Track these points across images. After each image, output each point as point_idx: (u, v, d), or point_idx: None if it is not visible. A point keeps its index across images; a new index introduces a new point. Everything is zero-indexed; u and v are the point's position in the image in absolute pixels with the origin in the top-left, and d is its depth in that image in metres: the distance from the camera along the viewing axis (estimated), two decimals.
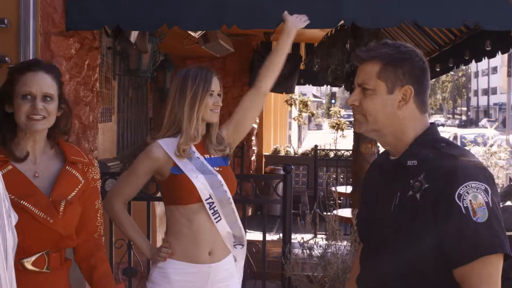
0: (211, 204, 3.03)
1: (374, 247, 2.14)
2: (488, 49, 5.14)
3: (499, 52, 5.27)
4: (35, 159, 2.55)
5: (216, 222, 3.06)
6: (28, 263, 2.43)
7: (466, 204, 1.86)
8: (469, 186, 1.88)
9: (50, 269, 2.49)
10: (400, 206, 2.00)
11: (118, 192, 3.16)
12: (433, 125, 2.13)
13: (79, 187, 2.58)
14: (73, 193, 2.55)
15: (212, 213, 3.04)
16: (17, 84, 2.49)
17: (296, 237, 4.80)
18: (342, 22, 3.89)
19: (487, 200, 1.87)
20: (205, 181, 3.02)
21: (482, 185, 1.89)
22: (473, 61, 5.92)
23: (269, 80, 3.32)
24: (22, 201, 2.39)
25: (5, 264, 1.32)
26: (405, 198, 1.99)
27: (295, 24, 3.39)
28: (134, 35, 5.39)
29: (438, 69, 7.41)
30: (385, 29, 7.49)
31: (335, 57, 7.31)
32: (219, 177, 3.08)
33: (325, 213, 5.16)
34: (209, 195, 3.02)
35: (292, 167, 4.37)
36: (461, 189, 1.87)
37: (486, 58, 5.55)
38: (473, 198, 1.87)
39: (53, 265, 2.50)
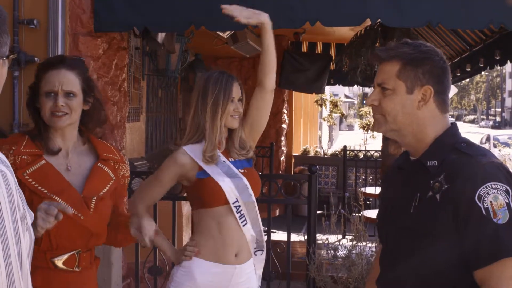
0: (238, 207, 3.05)
1: (393, 247, 2.12)
2: None
3: None
4: (66, 154, 2.59)
5: (243, 226, 3.08)
6: (59, 262, 2.46)
7: (487, 205, 1.84)
8: (489, 187, 1.86)
9: (80, 269, 2.52)
10: (419, 207, 1.99)
11: (141, 196, 3.17)
12: (454, 125, 2.11)
13: (110, 184, 2.61)
14: (105, 190, 2.58)
15: (239, 217, 3.06)
16: (41, 82, 2.55)
17: (327, 238, 4.79)
18: (368, 21, 3.85)
19: (508, 201, 1.85)
20: (232, 185, 3.04)
21: (503, 186, 1.86)
22: (508, 61, 5.80)
23: (268, 76, 3.23)
24: (54, 196, 2.42)
25: (20, 273, 1.32)
26: (425, 199, 1.97)
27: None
28: (161, 35, 5.42)
29: (468, 69, 7.32)
30: (416, 28, 7.43)
31: (365, 57, 7.28)
32: (245, 180, 3.09)
33: (356, 214, 5.12)
34: (236, 198, 3.04)
35: (317, 167, 4.36)
36: (481, 190, 1.85)
37: None
38: (494, 199, 1.84)
39: (83, 265, 2.53)
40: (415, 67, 2.04)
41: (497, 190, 1.85)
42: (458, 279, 1.94)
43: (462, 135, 2.11)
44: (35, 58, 4.11)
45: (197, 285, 3.04)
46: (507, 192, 1.86)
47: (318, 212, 4.54)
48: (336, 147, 15.69)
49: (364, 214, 4.78)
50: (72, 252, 2.49)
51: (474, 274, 1.88)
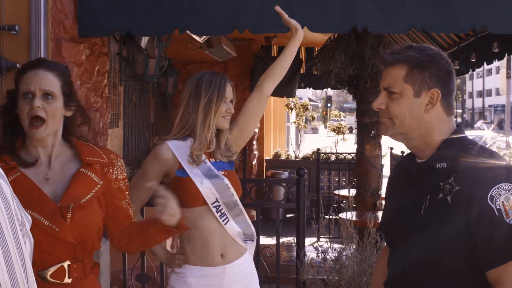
0: (217, 207, 3.04)
1: (402, 249, 2.14)
2: (496, 51, 5.15)
3: (506, 54, 5.28)
4: (48, 163, 2.44)
5: (225, 224, 3.07)
6: (47, 275, 2.34)
7: (499, 205, 1.87)
8: (501, 187, 1.88)
9: (71, 280, 2.38)
10: (430, 209, 2.00)
11: (130, 199, 3.09)
12: (460, 127, 2.13)
13: (96, 189, 2.45)
14: (88, 196, 2.42)
15: (219, 216, 3.05)
16: (19, 84, 2.40)
17: (307, 241, 4.82)
18: (353, 27, 3.88)
19: None
20: (210, 185, 3.02)
21: None
22: (484, 63, 5.90)
23: (272, 83, 3.35)
24: (28, 210, 2.20)
25: (26, 284, 1.30)
26: (435, 201, 1.99)
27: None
28: (144, 40, 5.39)
29: None
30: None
31: (339, 60, 7.34)
32: (226, 180, 3.08)
33: (336, 216, 5.15)
34: (216, 198, 3.03)
35: (305, 170, 4.38)
36: (493, 191, 1.88)
37: (496, 60, 5.54)
38: (506, 199, 1.87)
39: (74, 276, 2.39)
40: (422, 71, 2.06)
41: (508, 191, 1.88)
42: (470, 281, 1.96)
43: None
44: (17, 65, 4.03)
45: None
46: None
47: (290, 215, 4.55)
48: (304, 150, 15.75)
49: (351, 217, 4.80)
50: (59, 264, 2.35)
51: (487, 274, 1.91)
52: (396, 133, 2.12)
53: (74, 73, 4.21)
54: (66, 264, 2.37)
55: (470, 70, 6.63)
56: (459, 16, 3.86)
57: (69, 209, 2.34)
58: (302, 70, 10.80)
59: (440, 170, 2.01)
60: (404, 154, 2.41)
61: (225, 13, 4.00)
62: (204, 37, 6.95)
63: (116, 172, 2.56)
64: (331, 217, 4.98)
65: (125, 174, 2.61)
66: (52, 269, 2.34)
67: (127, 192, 2.64)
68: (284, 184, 4.71)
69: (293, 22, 3.35)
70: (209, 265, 3.05)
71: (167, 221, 2.50)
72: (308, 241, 5.01)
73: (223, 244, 3.08)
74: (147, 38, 5.41)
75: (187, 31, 4.14)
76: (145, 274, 4.36)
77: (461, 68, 6.65)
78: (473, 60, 5.95)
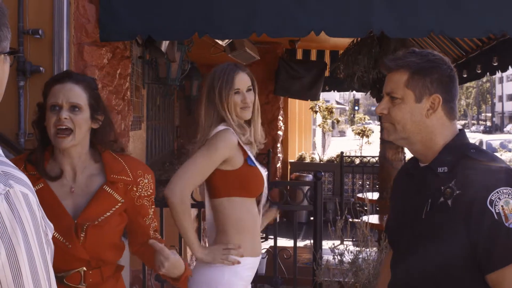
0: (265, 196, 3.14)
1: (405, 253, 2.16)
2: None
3: None
4: (74, 176, 2.46)
5: (262, 214, 3.15)
6: (63, 278, 2.37)
7: (498, 209, 1.88)
8: (500, 192, 1.90)
9: (87, 285, 2.40)
10: (431, 213, 2.02)
11: (188, 182, 2.91)
12: (462, 132, 2.15)
13: (117, 207, 2.45)
14: (106, 215, 2.42)
15: (263, 204, 3.13)
16: (48, 96, 2.45)
17: (325, 244, 4.83)
18: (371, 31, 3.90)
19: None
20: (265, 174, 3.09)
21: None
22: (509, 67, 5.84)
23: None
24: None
25: (48, 285, 1.34)
26: (436, 205, 2.01)
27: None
28: (165, 44, 5.46)
29: (465, 75, 7.39)
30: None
31: (361, 64, 7.33)
32: (264, 170, 3.14)
33: (355, 219, 5.16)
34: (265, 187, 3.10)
35: (322, 173, 4.40)
36: (492, 195, 1.89)
37: None
38: (505, 203, 1.88)
39: (89, 282, 2.41)
40: (423, 76, 2.08)
41: (508, 195, 1.89)
42: (470, 284, 1.98)
43: None
44: (41, 68, 4.13)
45: (244, 279, 3.02)
46: None
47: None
48: (330, 153, 15.73)
49: (369, 220, 4.81)
50: (75, 270, 2.39)
51: (486, 277, 1.92)
52: (398, 138, 2.14)
53: (96, 76, 4.29)
54: (82, 270, 2.40)
55: (488, 73, 6.59)
56: (477, 21, 3.87)
57: (83, 228, 2.36)
58: (327, 73, 10.79)
59: (442, 174, 2.03)
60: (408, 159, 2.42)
61: (243, 17, 4.05)
62: (227, 40, 7.01)
63: (140, 190, 2.53)
64: (350, 220, 4.98)
65: (151, 190, 2.58)
66: (68, 273, 2.38)
67: (152, 209, 2.61)
68: (301, 187, 4.72)
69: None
70: (256, 255, 3.07)
71: (166, 273, 2.50)
72: (331, 243, 5.02)
73: (259, 234, 3.15)
74: (167, 42, 5.47)
75: (207, 35, 4.20)
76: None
77: (483, 72, 6.62)
78: (495, 64, 5.91)
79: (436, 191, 2.02)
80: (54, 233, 2.26)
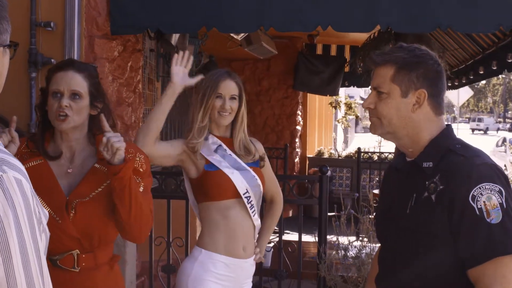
0: (248, 198, 3.11)
1: (392, 246, 2.18)
2: None
3: None
4: (71, 157, 2.56)
5: (253, 215, 3.15)
6: (56, 260, 2.43)
7: (480, 205, 1.89)
8: (483, 187, 1.90)
9: (79, 269, 2.45)
10: (416, 207, 2.04)
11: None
12: (449, 127, 2.15)
13: (107, 183, 2.49)
14: (97, 191, 2.48)
15: (249, 207, 3.12)
16: (50, 83, 2.56)
17: (337, 238, 4.84)
18: (378, 26, 3.90)
19: (501, 202, 1.89)
20: (241, 177, 3.10)
21: (496, 186, 1.91)
22: None
23: (148, 135, 3.04)
24: (38, 197, 2.37)
25: (41, 281, 1.36)
26: (420, 200, 2.02)
27: (184, 81, 3.10)
28: (175, 37, 5.50)
29: (481, 72, 7.32)
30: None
31: None
32: (252, 172, 3.16)
33: (361, 215, 5.17)
34: (246, 189, 3.10)
35: (328, 168, 4.40)
36: (475, 190, 1.90)
37: None
38: (487, 199, 1.89)
39: (83, 266, 2.46)
40: (409, 71, 2.08)
41: (491, 191, 1.90)
42: (456, 279, 1.98)
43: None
44: (52, 60, 4.19)
45: (215, 276, 3.07)
46: (500, 192, 1.90)
47: (331, 213, 4.58)
48: (351, 149, 15.68)
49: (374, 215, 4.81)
50: (69, 252, 2.44)
51: (468, 273, 1.93)
52: (384, 132, 2.15)
53: (106, 69, 4.35)
54: (75, 253, 2.46)
55: (506, 70, 6.53)
56: (486, 15, 3.84)
57: (73, 205, 2.43)
58: (347, 69, 10.76)
59: (427, 169, 2.04)
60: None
61: (251, 11, 4.07)
62: (242, 34, 7.02)
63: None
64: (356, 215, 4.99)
65: (142, 170, 2.58)
66: (62, 256, 2.44)
67: (141, 187, 2.56)
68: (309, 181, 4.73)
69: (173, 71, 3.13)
70: (233, 256, 3.11)
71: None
72: (346, 239, 5.03)
73: (246, 237, 3.16)
74: (177, 35, 5.51)
75: (215, 28, 4.22)
76: (171, 265, 4.47)
77: (498, 68, 6.56)
78: (509, 61, 5.86)
79: (421, 186, 2.03)
80: (47, 208, 2.34)
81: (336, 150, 13.95)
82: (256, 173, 3.19)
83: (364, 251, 4.17)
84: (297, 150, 11.43)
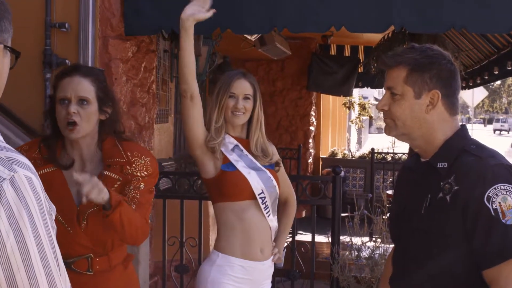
0: (263, 199, 3.09)
1: (406, 247, 2.17)
2: None
3: None
4: (83, 166, 2.54)
5: (268, 216, 3.13)
6: (71, 264, 2.42)
7: (495, 206, 1.88)
8: (498, 188, 1.89)
9: (93, 272, 2.46)
10: (430, 208, 2.03)
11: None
12: (463, 127, 2.14)
13: (115, 186, 2.50)
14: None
15: (264, 208, 3.10)
16: (57, 90, 2.53)
17: (351, 239, 4.84)
18: (392, 27, 3.88)
19: None
20: (257, 177, 3.09)
21: (511, 187, 1.90)
22: None
23: (187, 81, 3.02)
24: None
25: (58, 272, 1.38)
26: (435, 200, 2.01)
27: (194, 14, 2.97)
28: None
29: (496, 72, 7.28)
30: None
31: None
32: (268, 173, 3.16)
33: (375, 215, 5.16)
34: (261, 190, 3.09)
35: (342, 168, 4.40)
36: (490, 191, 1.89)
37: None
38: (503, 200, 1.88)
39: (97, 268, 2.47)
40: (422, 72, 2.07)
41: (506, 192, 1.89)
42: (470, 280, 1.97)
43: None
44: (66, 61, 4.22)
45: (232, 279, 3.06)
46: None
47: (344, 214, 4.58)
48: (365, 149, 15.64)
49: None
50: (82, 256, 2.45)
51: (483, 274, 1.92)
52: (399, 134, 2.15)
53: (120, 69, 4.37)
54: (89, 257, 2.46)
55: None
56: (499, 16, 3.81)
57: (84, 216, 2.43)
58: (360, 69, 10.74)
59: (441, 170, 2.03)
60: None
61: (265, 12, 4.07)
62: (256, 35, 7.03)
63: (133, 169, 2.54)
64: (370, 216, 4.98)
65: (147, 172, 2.57)
66: (75, 260, 2.45)
67: (142, 185, 2.56)
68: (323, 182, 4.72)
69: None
70: (250, 258, 3.09)
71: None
72: (359, 240, 5.02)
73: (262, 239, 3.14)
74: None
75: (229, 29, 4.23)
76: (184, 265, 4.48)
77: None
78: None
79: (436, 187, 2.02)
80: (57, 216, 2.35)
81: (350, 150, 13.92)
82: (271, 174, 3.19)
83: (377, 252, 4.16)
84: (310, 150, 11.42)
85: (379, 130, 48.31)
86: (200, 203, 4.51)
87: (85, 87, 2.50)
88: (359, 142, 25.26)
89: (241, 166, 3.09)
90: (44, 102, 4.25)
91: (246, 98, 3.15)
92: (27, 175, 1.32)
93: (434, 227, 2.00)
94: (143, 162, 2.58)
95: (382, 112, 2.18)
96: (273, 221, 3.19)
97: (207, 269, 3.12)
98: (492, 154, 2.02)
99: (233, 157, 3.11)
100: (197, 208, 4.52)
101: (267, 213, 3.12)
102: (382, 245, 4.21)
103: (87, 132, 2.51)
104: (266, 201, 3.10)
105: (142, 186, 2.56)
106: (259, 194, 3.08)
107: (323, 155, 12.30)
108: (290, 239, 4.41)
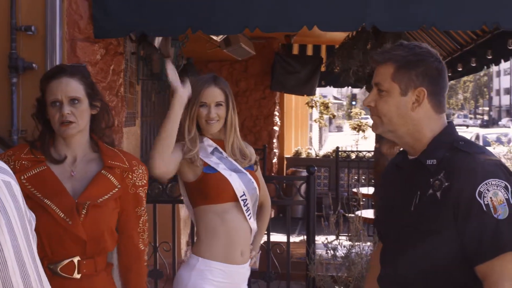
0: (245, 201, 3.09)
1: (394, 246, 2.17)
2: (510, 48, 5.12)
3: None
4: (74, 161, 2.59)
5: (249, 218, 3.12)
6: (57, 268, 2.44)
7: (487, 201, 1.90)
8: (489, 183, 1.91)
9: (81, 276, 2.47)
10: (420, 205, 2.04)
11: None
12: (451, 124, 2.16)
13: (114, 191, 2.57)
14: (105, 197, 2.54)
15: (245, 210, 3.09)
16: (46, 93, 2.58)
17: (320, 238, 4.85)
18: (363, 25, 3.90)
19: (507, 197, 1.91)
20: (238, 179, 3.08)
21: (502, 182, 1.92)
22: (502, 60, 5.86)
23: (164, 158, 2.94)
24: (45, 200, 2.42)
25: (36, 279, 1.33)
26: (425, 197, 2.02)
27: (187, 89, 3.03)
28: (158, 40, 5.46)
29: (460, 69, 7.38)
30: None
31: (357, 58, 7.32)
32: (249, 175, 3.15)
33: (350, 214, 5.18)
34: (243, 192, 3.08)
35: (316, 168, 4.40)
36: (481, 186, 1.91)
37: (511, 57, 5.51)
38: (494, 195, 1.90)
39: (84, 272, 2.48)
40: (409, 70, 2.09)
41: (497, 187, 1.91)
42: (461, 276, 1.99)
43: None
44: (33, 65, 4.12)
45: (213, 284, 3.04)
46: (506, 188, 1.92)
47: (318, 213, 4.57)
48: (327, 148, 15.74)
49: (362, 214, 4.82)
50: (70, 259, 2.46)
51: (475, 269, 1.93)
52: (385, 131, 2.16)
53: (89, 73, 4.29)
54: (76, 259, 2.47)
55: (485, 67, 6.60)
56: (470, 13, 3.85)
57: (84, 206, 2.46)
58: (323, 68, 10.79)
59: (430, 167, 2.04)
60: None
61: (237, 12, 4.04)
62: (222, 36, 7.00)
63: (135, 178, 2.67)
64: (346, 215, 4.99)
65: (145, 181, 2.70)
66: (63, 263, 2.45)
67: (144, 201, 2.74)
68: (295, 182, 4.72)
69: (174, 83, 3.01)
70: (231, 262, 3.07)
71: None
72: (324, 238, 5.03)
73: (243, 242, 3.13)
74: (160, 38, 5.47)
75: (200, 31, 4.19)
76: (158, 270, 4.43)
77: (478, 65, 6.61)
78: (489, 58, 5.92)
79: (425, 184, 2.03)
80: (56, 210, 2.39)
81: (314, 149, 13.98)
82: (252, 177, 3.17)
83: (353, 250, 4.18)
84: (274, 150, 11.44)
85: (338, 129, 48.75)
86: (173, 207, 4.46)
87: (74, 87, 2.57)
88: (321, 141, 25.41)
89: (222, 168, 3.07)
90: (10, 107, 4.15)
91: (218, 105, 3.12)
92: (5, 179, 1.29)
93: (424, 223, 2.01)
94: (141, 171, 2.70)
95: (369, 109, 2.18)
96: (253, 223, 3.18)
97: (185, 274, 3.08)
98: (481, 150, 2.04)
99: (213, 160, 3.09)
100: (167, 212, 4.47)
101: (248, 215, 3.10)
102: (358, 243, 4.23)
103: (81, 127, 2.58)
104: (247, 203, 3.09)
105: (144, 204, 2.72)
106: (241, 196, 3.06)
107: (287, 154, 12.33)
108: (264, 241, 4.39)
